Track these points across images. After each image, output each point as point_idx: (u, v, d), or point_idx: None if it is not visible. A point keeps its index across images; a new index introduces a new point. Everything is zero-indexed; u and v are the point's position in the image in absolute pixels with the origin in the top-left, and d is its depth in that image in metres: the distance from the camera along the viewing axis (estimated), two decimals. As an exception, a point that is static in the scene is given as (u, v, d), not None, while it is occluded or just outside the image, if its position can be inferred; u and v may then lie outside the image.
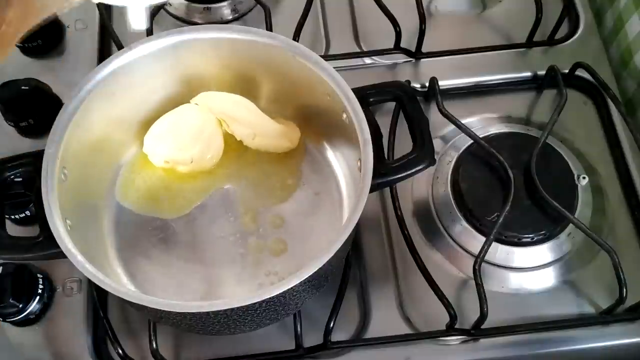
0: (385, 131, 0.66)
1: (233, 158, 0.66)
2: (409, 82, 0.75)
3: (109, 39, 0.77)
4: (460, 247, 0.66)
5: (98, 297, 0.64)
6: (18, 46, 0.76)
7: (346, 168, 0.65)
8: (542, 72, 0.75)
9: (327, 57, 0.75)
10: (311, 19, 0.76)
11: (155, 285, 0.61)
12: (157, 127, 0.64)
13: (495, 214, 0.64)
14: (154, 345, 0.61)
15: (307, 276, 0.49)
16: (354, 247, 0.66)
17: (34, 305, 0.63)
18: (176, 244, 0.63)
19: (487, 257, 0.63)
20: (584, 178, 0.66)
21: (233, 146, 0.65)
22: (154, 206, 0.64)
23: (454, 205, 0.67)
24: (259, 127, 0.64)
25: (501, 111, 0.75)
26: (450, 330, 0.63)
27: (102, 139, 0.61)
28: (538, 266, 0.65)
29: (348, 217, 0.52)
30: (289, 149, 0.65)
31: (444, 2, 0.82)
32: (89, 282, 0.64)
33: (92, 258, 0.52)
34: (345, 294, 0.64)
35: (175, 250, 0.62)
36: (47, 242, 0.52)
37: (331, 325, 0.62)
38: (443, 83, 0.72)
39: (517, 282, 0.66)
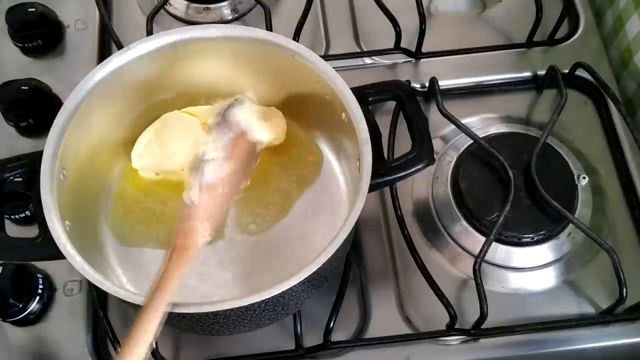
0: (384, 131, 0.66)
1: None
2: (409, 82, 0.75)
3: (109, 39, 0.77)
4: (460, 247, 0.66)
5: (98, 297, 0.64)
6: (18, 46, 0.76)
7: (346, 168, 0.65)
8: (542, 72, 0.75)
9: (327, 57, 0.75)
10: (311, 19, 0.76)
11: (155, 286, 0.61)
12: (142, 140, 0.63)
13: (495, 214, 0.64)
14: (154, 345, 0.61)
15: (306, 276, 0.49)
16: (354, 247, 0.66)
17: (34, 305, 0.63)
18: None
19: (487, 257, 0.63)
20: (584, 178, 0.66)
21: None
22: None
23: (454, 205, 0.67)
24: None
25: (501, 111, 0.74)
26: (450, 330, 0.63)
27: (102, 139, 0.61)
28: (538, 266, 0.65)
29: (347, 217, 0.52)
30: (277, 143, 0.64)
31: (444, 2, 0.82)
32: (89, 282, 0.64)
33: (92, 259, 0.52)
34: (345, 294, 0.64)
35: (175, 250, 0.62)
36: (46, 243, 0.51)
37: (331, 325, 0.62)
38: (443, 83, 0.72)
39: (517, 282, 0.66)
